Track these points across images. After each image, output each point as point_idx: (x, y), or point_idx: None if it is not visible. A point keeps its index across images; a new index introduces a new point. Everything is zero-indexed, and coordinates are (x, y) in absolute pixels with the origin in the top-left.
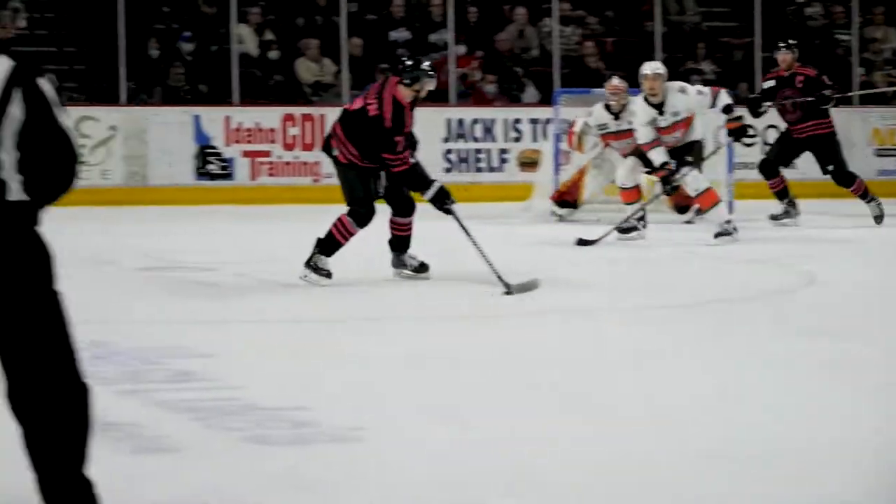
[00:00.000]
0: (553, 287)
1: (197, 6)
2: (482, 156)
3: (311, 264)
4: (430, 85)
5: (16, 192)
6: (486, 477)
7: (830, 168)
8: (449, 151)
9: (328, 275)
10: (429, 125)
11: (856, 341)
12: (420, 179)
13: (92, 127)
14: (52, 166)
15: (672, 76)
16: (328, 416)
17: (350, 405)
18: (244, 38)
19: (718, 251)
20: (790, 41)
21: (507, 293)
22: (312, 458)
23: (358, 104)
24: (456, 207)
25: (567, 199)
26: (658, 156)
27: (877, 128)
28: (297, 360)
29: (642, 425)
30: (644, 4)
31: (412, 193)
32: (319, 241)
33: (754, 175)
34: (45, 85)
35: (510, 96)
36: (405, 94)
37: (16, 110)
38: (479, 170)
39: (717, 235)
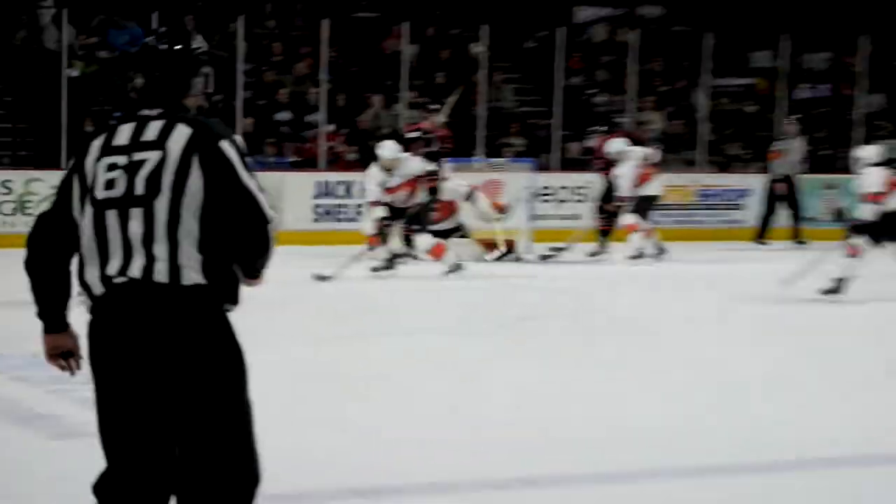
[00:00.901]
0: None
1: (126, 93)
2: (343, 209)
3: None
4: None
5: (191, 276)
6: None
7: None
8: (318, 206)
9: None
10: (302, 186)
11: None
12: None
13: (39, 186)
14: (241, 234)
15: (491, 150)
16: None
17: None
18: None
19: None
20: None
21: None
22: None
23: None
24: None
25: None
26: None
27: None
28: None
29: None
30: (472, 94)
31: None
32: None
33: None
34: (229, 148)
35: (365, 164)
36: None
37: (195, 181)
38: (338, 220)
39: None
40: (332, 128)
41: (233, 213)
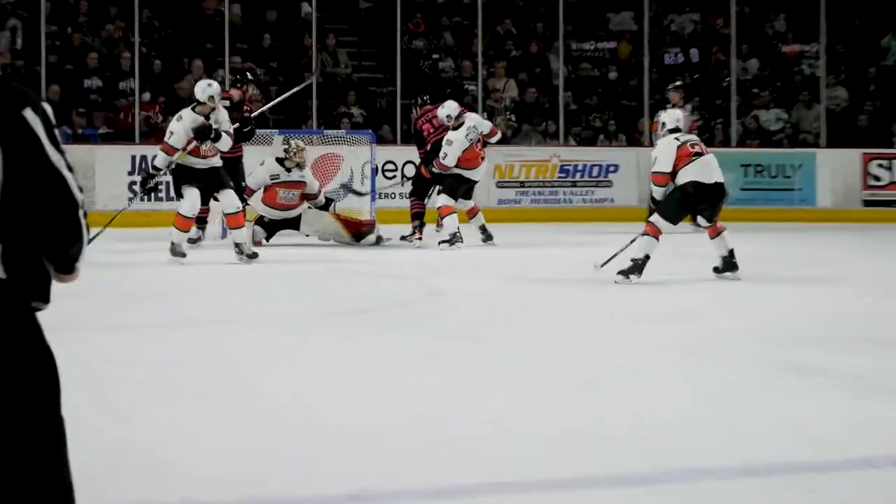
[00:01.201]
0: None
1: None
2: (161, 186)
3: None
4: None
5: None
6: None
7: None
8: (133, 183)
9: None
10: (115, 161)
11: (471, 341)
12: None
13: None
14: (46, 221)
15: (327, 121)
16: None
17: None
18: None
19: (358, 266)
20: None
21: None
22: None
23: None
24: None
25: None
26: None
27: (498, 164)
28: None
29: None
30: (303, 58)
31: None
32: None
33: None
34: (34, 117)
35: None
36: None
37: None
38: (159, 199)
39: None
40: (147, 96)
41: (36, 195)
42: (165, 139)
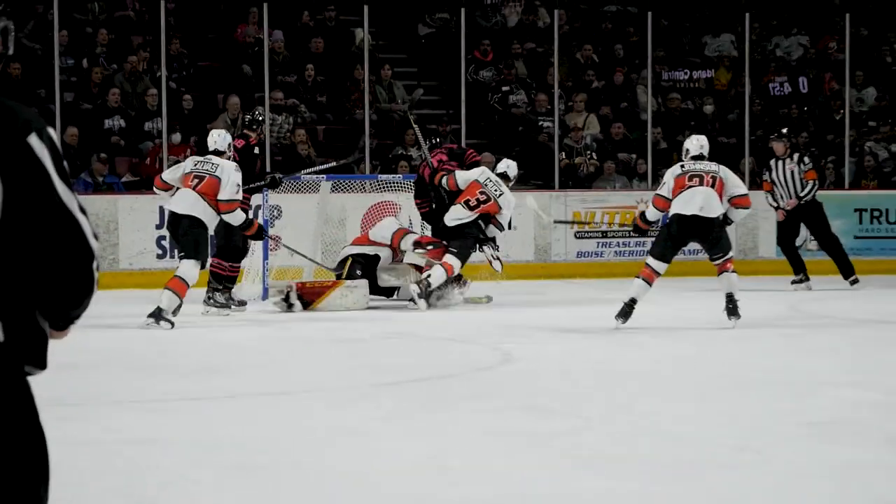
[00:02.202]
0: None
1: None
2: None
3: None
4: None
5: None
6: None
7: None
8: (163, 237)
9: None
10: (141, 213)
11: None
12: None
13: None
14: (51, 268)
15: (382, 163)
16: None
17: None
18: None
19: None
20: None
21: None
22: None
23: None
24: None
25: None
26: None
27: (576, 211)
28: None
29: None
30: (354, 93)
31: None
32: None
33: None
34: (39, 145)
35: None
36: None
37: None
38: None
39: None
40: (177, 138)
41: (43, 239)
42: (234, 195)
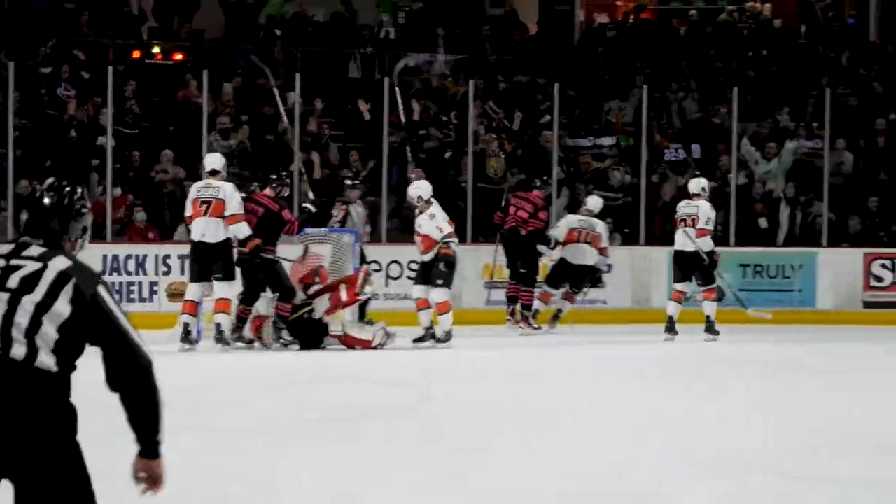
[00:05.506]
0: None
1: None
2: (133, 288)
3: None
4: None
5: (45, 362)
6: None
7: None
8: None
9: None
10: (85, 260)
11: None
12: None
13: None
14: (118, 368)
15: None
16: None
17: None
18: None
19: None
20: None
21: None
22: None
23: None
24: None
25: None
26: None
27: (487, 263)
28: None
29: None
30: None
31: None
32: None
33: None
34: (105, 295)
35: (165, 232)
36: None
37: (62, 306)
38: (130, 301)
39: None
40: (118, 191)
41: (114, 360)
42: (237, 209)
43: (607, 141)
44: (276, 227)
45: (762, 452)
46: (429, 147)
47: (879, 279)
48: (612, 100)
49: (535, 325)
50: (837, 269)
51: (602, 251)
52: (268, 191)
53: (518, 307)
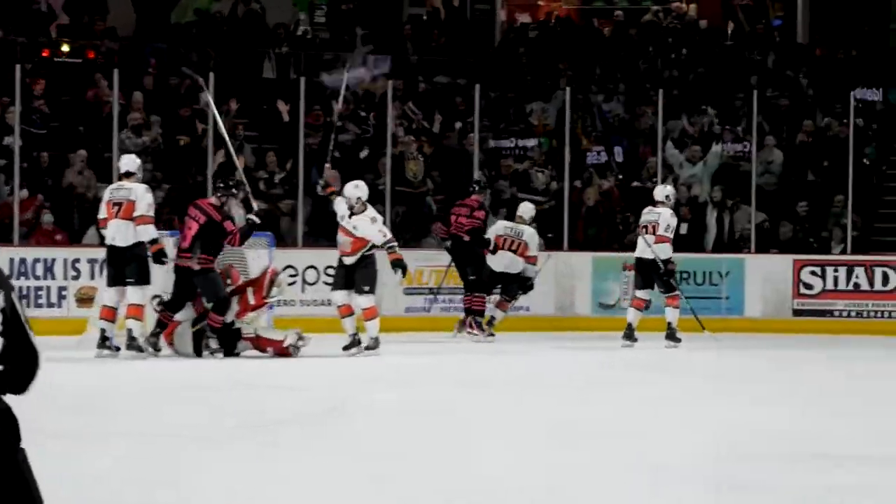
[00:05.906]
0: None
1: None
2: (41, 292)
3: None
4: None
5: None
6: None
7: None
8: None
9: None
10: None
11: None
12: None
13: None
14: (14, 367)
15: None
16: None
17: None
18: None
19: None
20: None
21: None
22: None
23: None
24: None
25: None
26: None
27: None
28: None
29: None
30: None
31: None
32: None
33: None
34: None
35: (74, 236)
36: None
37: None
38: (38, 305)
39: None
40: (25, 194)
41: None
42: (146, 211)
43: (530, 143)
44: (217, 237)
45: (690, 458)
46: (344, 140)
47: (809, 286)
48: (534, 101)
49: (488, 332)
50: (766, 276)
51: (529, 259)
52: (212, 199)
53: (468, 317)
